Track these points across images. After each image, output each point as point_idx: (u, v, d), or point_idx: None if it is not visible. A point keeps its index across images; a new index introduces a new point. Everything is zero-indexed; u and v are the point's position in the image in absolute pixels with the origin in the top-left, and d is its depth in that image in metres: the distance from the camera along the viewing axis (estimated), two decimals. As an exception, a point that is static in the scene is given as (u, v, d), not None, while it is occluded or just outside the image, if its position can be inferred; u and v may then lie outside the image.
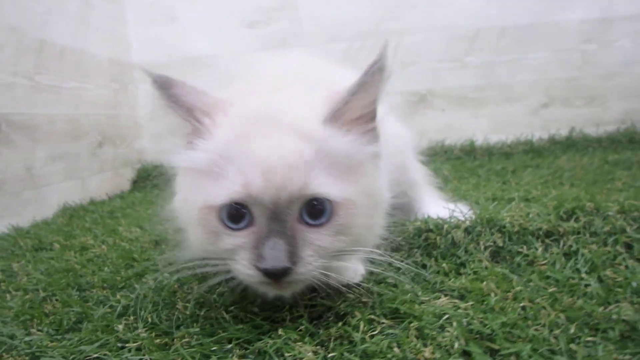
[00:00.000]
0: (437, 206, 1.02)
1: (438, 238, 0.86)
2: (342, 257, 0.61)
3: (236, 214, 0.56)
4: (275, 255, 0.53)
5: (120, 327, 0.67)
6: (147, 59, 2.29)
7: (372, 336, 0.57)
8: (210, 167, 0.58)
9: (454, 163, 2.08)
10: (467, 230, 0.88)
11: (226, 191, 0.56)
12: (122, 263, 1.00)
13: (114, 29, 2.18)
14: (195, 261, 0.63)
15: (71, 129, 1.80)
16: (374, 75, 0.57)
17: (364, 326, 0.60)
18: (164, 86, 0.60)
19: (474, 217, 0.92)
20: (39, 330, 0.70)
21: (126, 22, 2.27)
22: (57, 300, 0.83)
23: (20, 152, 1.52)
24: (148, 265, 0.95)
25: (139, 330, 0.66)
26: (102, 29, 2.05)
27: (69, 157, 1.78)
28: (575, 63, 2.33)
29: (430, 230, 0.91)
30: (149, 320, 0.69)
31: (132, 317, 0.71)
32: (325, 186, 0.54)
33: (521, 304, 0.62)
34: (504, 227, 0.85)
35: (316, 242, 0.55)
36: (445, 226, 0.90)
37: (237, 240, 0.57)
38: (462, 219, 0.90)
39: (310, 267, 0.55)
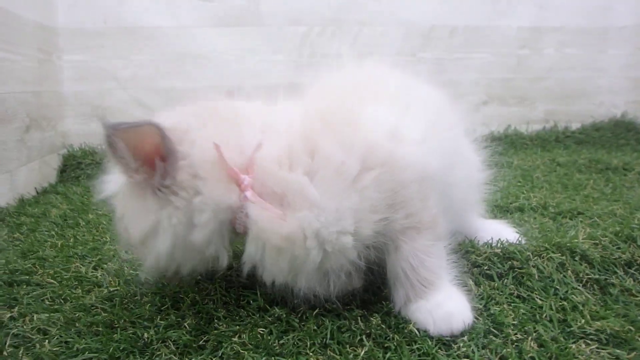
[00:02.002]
0: (501, 228, 1.01)
1: (534, 269, 0.86)
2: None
3: None
4: None
5: None
6: (76, 24, 1.85)
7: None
8: None
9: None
10: (550, 259, 0.90)
11: None
12: (149, 295, 0.79)
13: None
14: None
15: (-3, 111, 1.38)
16: None
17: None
18: None
19: (542, 242, 0.94)
20: None
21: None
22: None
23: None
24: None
25: None
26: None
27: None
28: (512, 66, 2.54)
29: (513, 258, 0.90)
30: None
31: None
32: None
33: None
34: (588, 256, 0.89)
35: None
36: (528, 254, 0.90)
37: None
38: (544, 245, 0.91)
39: None
